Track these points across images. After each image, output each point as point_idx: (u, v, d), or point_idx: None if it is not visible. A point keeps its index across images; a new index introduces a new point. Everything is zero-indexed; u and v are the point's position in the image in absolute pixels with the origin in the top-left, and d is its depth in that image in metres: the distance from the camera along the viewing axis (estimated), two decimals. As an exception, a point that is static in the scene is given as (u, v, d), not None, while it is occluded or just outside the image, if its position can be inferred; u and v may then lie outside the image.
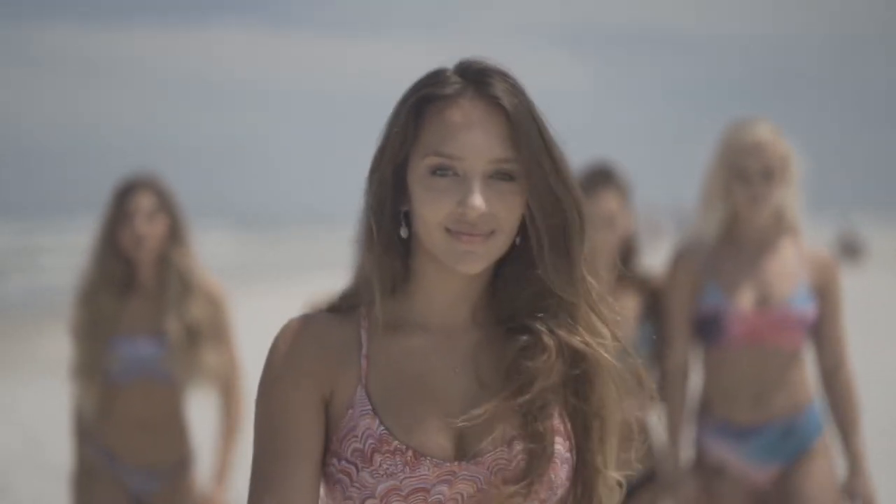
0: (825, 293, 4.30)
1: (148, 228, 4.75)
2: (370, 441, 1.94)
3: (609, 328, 2.02)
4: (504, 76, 1.99)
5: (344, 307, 2.03)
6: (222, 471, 4.89)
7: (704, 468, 4.35)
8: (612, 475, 2.01)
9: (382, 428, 1.94)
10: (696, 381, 4.44)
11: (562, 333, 1.98)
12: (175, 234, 4.81)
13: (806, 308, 4.25)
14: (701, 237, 4.41)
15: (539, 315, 1.99)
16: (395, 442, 1.93)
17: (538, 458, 1.94)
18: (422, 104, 1.99)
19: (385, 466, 1.93)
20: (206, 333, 4.76)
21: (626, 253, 4.57)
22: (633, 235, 4.63)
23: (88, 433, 4.79)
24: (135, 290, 4.81)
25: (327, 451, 1.98)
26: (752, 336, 4.23)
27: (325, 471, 1.99)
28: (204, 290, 4.80)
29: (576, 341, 1.98)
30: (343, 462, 1.95)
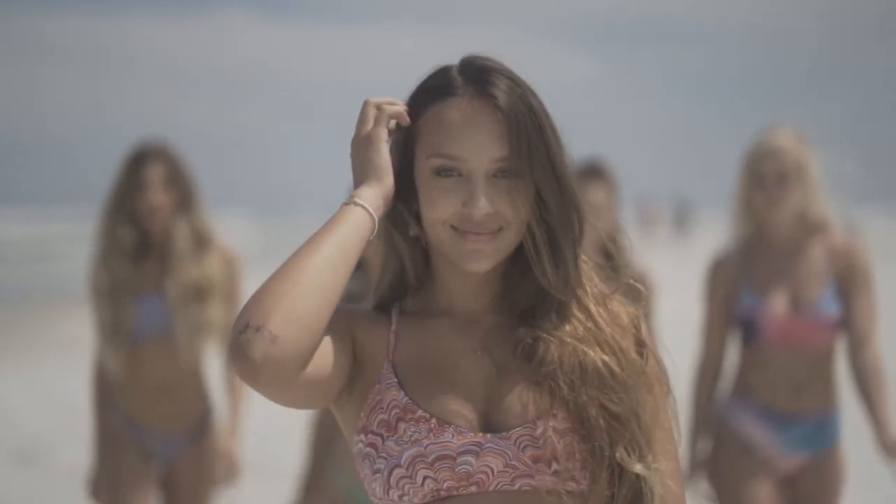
0: (850, 277, 4.42)
1: (161, 198, 4.82)
2: (395, 411, 1.95)
3: (605, 328, 2.00)
4: (504, 73, 1.98)
5: (378, 301, 2.07)
6: (234, 426, 4.91)
7: (734, 448, 4.47)
8: (634, 465, 1.95)
9: (407, 398, 1.95)
10: (732, 370, 4.59)
11: (552, 330, 1.97)
12: (187, 202, 4.87)
13: (832, 309, 4.40)
14: (735, 243, 4.58)
15: (531, 312, 2.00)
16: (420, 411, 1.94)
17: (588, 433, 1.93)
18: (423, 104, 2.00)
19: (410, 433, 1.93)
20: (217, 292, 4.81)
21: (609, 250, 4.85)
22: (616, 231, 4.94)
23: (111, 402, 4.85)
24: (149, 254, 4.87)
25: (354, 430, 1.99)
26: (786, 337, 4.40)
27: (355, 451, 1.99)
28: (219, 250, 4.88)
29: (563, 337, 1.97)
30: (370, 435, 1.95)
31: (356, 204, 1.95)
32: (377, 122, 1.99)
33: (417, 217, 2.02)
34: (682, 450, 4.44)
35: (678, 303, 12.07)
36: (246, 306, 1.86)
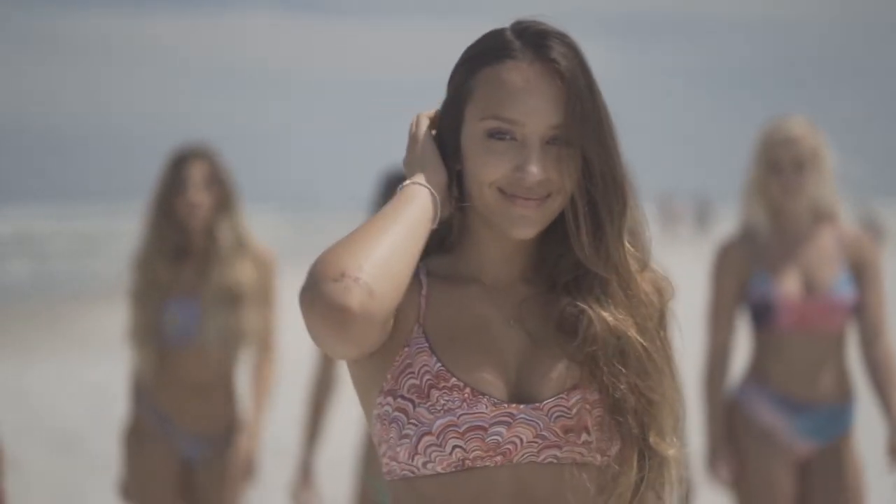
0: (861, 269, 4.47)
1: (202, 197, 4.84)
2: (427, 377, 1.91)
3: (642, 309, 1.99)
4: (561, 39, 1.95)
5: None
6: (256, 429, 4.88)
7: (752, 434, 4.51)
8: (667, 449, 1.96)
9: (440, 365, 1.92)
10: (744, 357, 4.59)
11: (595, 307, 1.95)
12: (226, 203, 4.88)
13: (847, 293, 4.44)
14: (748, 229, 4.59)
15: (575, 285, 1.97)
16: (453, 379, 1.91)
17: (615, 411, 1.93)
18: (477, 66, 1.96)
19: (443, 402, 1.89)
20: (251, 297, 4.82)
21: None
22: (636, 230, 5.01)
23: (144, 395, 4.85)
24: (188, 256, 4.87)
25: (380, 391, 1.94)
26: (801, 322, 4.43)
27: (378, 413, 1.95)
28: (253, 254, 4.88)
29: (607, 317, 1.95)
30: (399, 399, 1.92)
31: (416, 183, 1.94)
32: (419, 124, 2.01)
33: (458, 178, 1.99)
34: (693, 439, 4.46)
35: (701, 299, 12.19)
36: (334, 257, 1.82)
